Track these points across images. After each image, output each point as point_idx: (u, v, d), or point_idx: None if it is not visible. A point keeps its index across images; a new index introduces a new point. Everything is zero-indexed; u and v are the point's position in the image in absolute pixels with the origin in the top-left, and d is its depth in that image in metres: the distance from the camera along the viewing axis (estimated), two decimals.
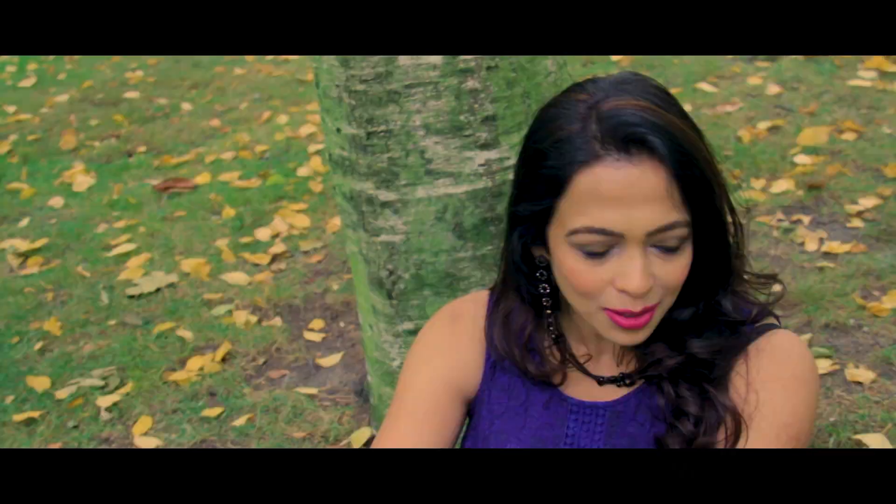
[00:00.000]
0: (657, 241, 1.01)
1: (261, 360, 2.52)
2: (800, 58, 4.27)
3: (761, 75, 4.11)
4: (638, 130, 0.98)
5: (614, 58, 4.58)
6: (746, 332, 1.13)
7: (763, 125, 3.57)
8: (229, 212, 3.47)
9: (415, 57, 1.58)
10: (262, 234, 3.26)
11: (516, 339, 1.19)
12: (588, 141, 1.00)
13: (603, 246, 1.02)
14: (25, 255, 3.39)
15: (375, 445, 1.21)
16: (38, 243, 3.45)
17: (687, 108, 3.61)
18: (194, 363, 2.51)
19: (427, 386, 1.21)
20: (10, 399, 2.50)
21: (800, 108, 3.71)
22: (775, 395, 1.08)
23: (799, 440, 1.08)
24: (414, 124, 1.62)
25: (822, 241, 2.73)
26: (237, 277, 2.95)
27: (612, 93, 1.03)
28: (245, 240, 3.24)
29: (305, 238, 3.20)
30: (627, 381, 1.16)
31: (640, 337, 1.07)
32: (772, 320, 1.15)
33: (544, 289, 1.16)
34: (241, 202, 3.55)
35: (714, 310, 1.12)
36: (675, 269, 1.03)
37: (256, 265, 3.06)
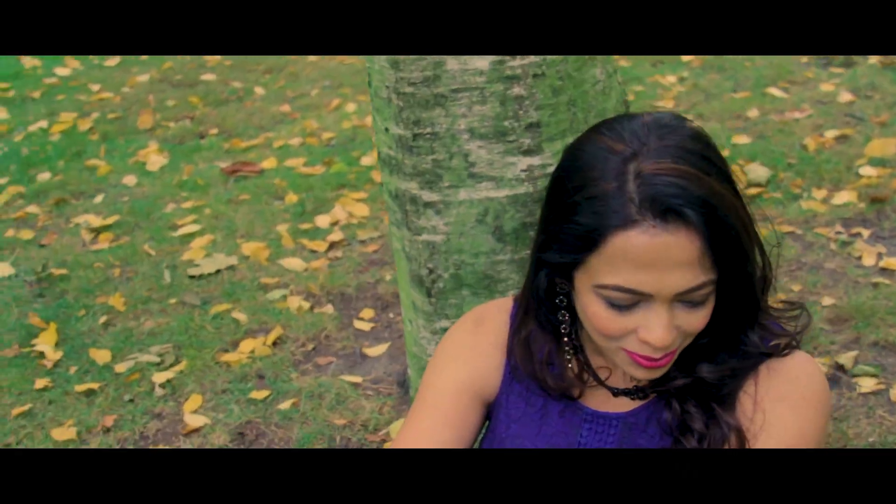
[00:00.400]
0: (684, 299, 1.03)
1: (310, 346, 2.59)
2: (877, 64, 4.17)
3: (834, 82, 4.03)
4: (675, 203, 0.98)
5: (685, 58, 4.53)
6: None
7: (831, 133, 3.51)
8: (292, 197, 3.55)
9: (462, 62, 1.61)
10: (322, 221, 3.34)
11: (537, 360, 1.22)
12: (625, 203, 1.00)
13: (630, 301, 1.04)
14: (97, 231, 3.53)
15: (396, 440, 1.25)
16: (110, 220, 3.59)
17: (753, 112, 3.58)
18: (246, 345, 2.59)
19: (449, 386, 1.25)
20: (73, 369, 2.62)
21: (871, 117, 3.63)
22: (784, 415, 1.10)
23: None
24: (459, 128, 1.66)
25: (880, 256, 2.69)
26: (294, 263, 3.03)
27: (651, 147, 1.01)
28: (305, 226, 3.32)
29: (363, 227, 3.27)
30: (640, 395, 1.18)
31: (657, 374, 1.10)
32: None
33: (563, 315, 1.18)
34: (304, 188, 3.63)
35: (737, 339, 1.13)
36: (698, 318, 1.06)
37: (314, 252, 3.13)
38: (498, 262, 1.73)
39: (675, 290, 1.01)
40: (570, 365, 1.21)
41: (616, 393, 1.20)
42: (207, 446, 2.22)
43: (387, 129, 1.75)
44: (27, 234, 3.59)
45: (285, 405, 2.33)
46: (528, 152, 1.67)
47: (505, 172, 1.68)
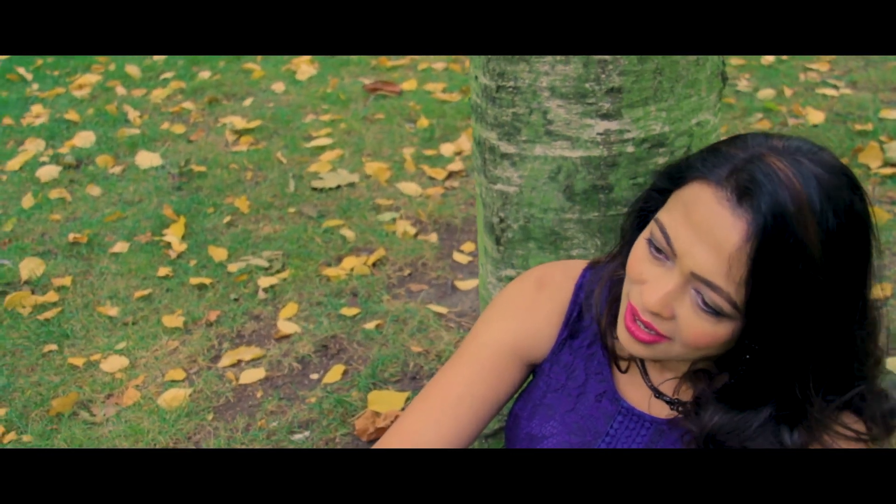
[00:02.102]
0: (698, 287, 1.01)
1: (406, 272, 2.69)
2: None
3: None
4: (758, 193, 0.96)
5: None
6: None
7: None
8: (423, 122, 3.63)
9: None
10: (446, 149, 3.40)
11: (611, 307, 1.20)
12: (725, 166, 1.00)
13: (661, 247, 1.03)
14: (240, 133, 3.73)
15: (431, 383, 1.25)
16: (253, 124, 3.78)
17: None
18: (348, 262, 2.72)
19: (495, 340, 1.24)
20: (193, 262, 2.83)
21: None
22: None
23: None
24: (540, 85, 1.68)
25: None
26: (410, 188, 3.12)
27: (790, 156, 0.99)
28: (429, 152, 3.39)
29: None
30: (677, 407, 1.16)
31: (638, 349, 1.08)
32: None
33: None
34: (437, 114, 3.70)
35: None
36: (697, 325, 1.02)
37: (432, 179, 3.21)
38: (565, 220, 1.76)
39: (693, 266, 0.99)
40: None
41: (658, 395, 1.18)
42: (293, 354, 2.38)
43: (476, 77, 1.79)
44: (179, 129, 3.84)
45: (370, 325, 2.45)
46: (606, 116, 1.67)
47: (581, 133, 1.69)
